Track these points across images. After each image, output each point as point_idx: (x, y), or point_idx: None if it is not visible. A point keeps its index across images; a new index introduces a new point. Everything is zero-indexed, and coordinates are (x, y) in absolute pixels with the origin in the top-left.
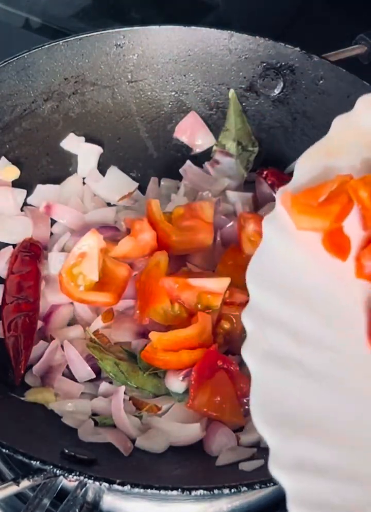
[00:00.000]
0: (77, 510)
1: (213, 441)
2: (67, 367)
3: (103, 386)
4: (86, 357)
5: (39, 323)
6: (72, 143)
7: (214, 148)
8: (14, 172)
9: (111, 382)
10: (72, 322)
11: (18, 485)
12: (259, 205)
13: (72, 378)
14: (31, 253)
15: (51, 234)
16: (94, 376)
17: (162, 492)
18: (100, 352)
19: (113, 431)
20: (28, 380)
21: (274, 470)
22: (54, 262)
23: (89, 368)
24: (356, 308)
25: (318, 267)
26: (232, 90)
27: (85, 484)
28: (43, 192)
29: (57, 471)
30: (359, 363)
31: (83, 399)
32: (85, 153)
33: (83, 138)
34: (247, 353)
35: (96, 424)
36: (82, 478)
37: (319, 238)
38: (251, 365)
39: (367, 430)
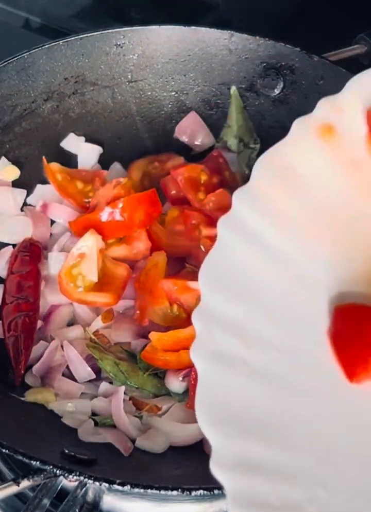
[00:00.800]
0: (77, 510)
1: None
2: (67, 367)
3: (103, 386)
4: (86, 357)
5: (39, 323)
6: (72, 143)
7: (215, 144)
8: (14, 172)
9: (111, 382)
10: (72, 322)
11: (18, 485)
12: None
13: (72, 378)
14: (31, 253)
15: (51, 234)
16: (94, 376)
17: (162, 492)
18: (100, 352)
19: (113, 431)
20: (28, 380)
21: (215, 470)
22: (54, 262)
23: (89, 368)
24: (312, 309)
25: (272, 267)
26: (234, 87)
27: (85, 484)
28: (43, 192)
29: (57, 471)
30: (309, 365)
31: (83, 399)
32: (85, 153)
33: (83, 138)
34: (194, 353)
35: (96, 424)
36: (82, 478)
37: (274, 236)
38: (197, 366)
39: (310, 432)
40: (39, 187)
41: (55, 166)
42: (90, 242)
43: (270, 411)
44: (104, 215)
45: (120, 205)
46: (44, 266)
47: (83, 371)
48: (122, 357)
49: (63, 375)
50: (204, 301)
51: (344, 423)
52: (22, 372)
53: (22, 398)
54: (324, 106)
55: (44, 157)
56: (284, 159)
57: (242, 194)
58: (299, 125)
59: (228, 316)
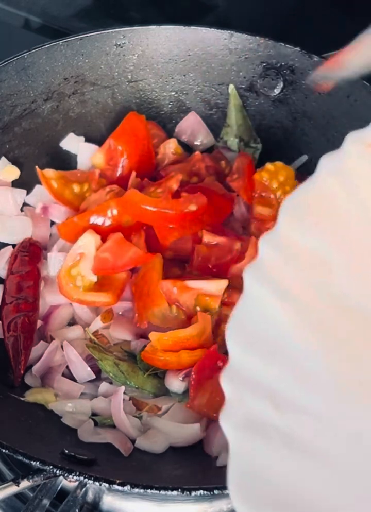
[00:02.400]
0: (77, 510)
1: (213, 441)
2: (67, 367)
3: (103, 386)
4: (86, 358)
5: (39, 323)
6: (72, 143)
7: (216, 144)
8: (14, 172)
9: (111, 382)
10: (72, 322)
11: (18, 485)
12: None
13: (72, 378)
14: (31, 253)
15: (51, 234)
16: (93, 376)
17: (162, 492)
18: (100, 352)
19: (113, 431)
20: (28, 380)
21: None
22: (54, 263)
23: (89, 369)
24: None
25: (305, 323)
26: (232, 86)
27: (85, 484)
28: (42, 192)
29: (57, 471)
30: (348, 434)
31: (83, 399)
32: (85, 153)
33: (83, 138)
34: (224, 420)
35: (96, 424)
36: (82, 478)
37: (308, 290)
38: (227, 434)
39: (350, 505)
40: (38, 187)
41: (49, 172)
42: (89, 242)
43: (308, 486)
44: (92, 219)
45: (108, 210)
46: (43, 266)
47: (83, 371)
48: (122, 357)
49: (63, 375)
50: (233, 360)
51: None
52: (22, 372)
53: (22, 399)
54: (353, 142)
55: (36, 166)
56: (316, 203)
57: (269, 240)
58: (328, 164)
59: (260, 377)
